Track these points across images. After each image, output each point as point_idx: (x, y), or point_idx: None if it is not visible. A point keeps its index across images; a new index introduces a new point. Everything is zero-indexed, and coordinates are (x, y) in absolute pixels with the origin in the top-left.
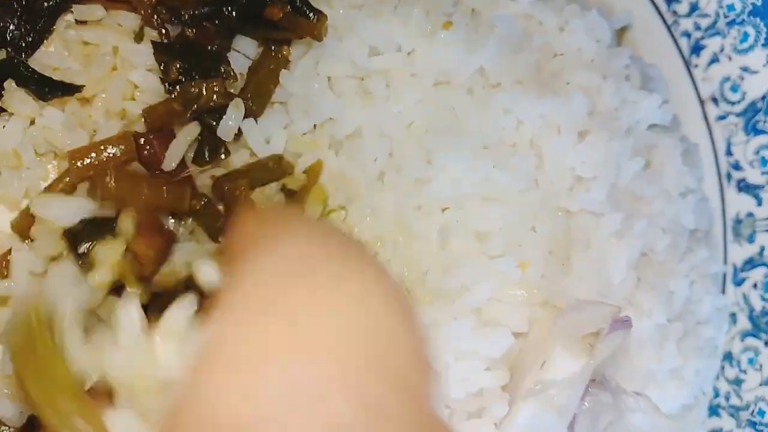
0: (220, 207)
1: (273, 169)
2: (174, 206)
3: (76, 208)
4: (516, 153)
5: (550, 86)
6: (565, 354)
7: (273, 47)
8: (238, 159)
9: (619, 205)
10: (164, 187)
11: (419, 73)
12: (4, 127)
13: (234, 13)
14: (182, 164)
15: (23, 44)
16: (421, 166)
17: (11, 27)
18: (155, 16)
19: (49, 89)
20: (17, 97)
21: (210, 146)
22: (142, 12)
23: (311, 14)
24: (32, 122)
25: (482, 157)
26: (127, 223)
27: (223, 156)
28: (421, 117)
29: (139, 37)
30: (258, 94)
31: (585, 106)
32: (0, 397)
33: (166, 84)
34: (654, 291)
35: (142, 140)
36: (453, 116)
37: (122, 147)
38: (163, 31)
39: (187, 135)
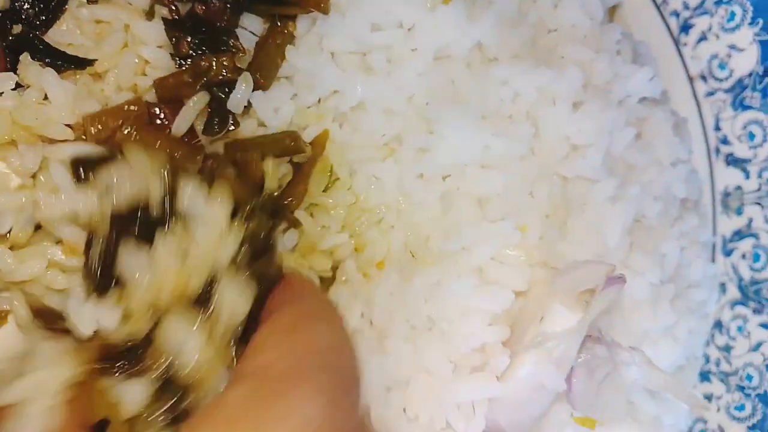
0: (231, 170)
1: (288, 146)
2: (187, 162)
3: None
4: (513, 123)
5: (545, 60)
6: (562, 309)
7: (279, 23)
8: (246, 129)
9: (612, 173)
10: (179, 143)
11: (420, 48)
12: (21, 95)
13: None
14: (192, 133)
15: (37, 22)
16: (422, 137)
17: (26, 5)
18: None
19: (62, 62)
20: (32, 70)
21: (219, 118)
22: None
23: None
24: (45, 97)
25: (481, 127)
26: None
27: (232, 127)
28: (422, 90)
29: (150, 15)
30: (265, 68)
31: (579, 78)
32: None
33: (177, 59)
34: (647, 253)
35: (155, 109)
36: (453, 89)
37: (136, 109)
38: (173, 8)
39: (197, 103)
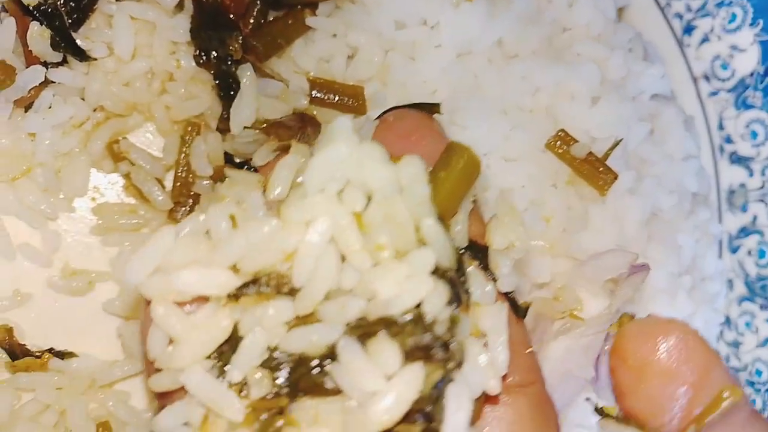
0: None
1: None
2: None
3: None
4: (534, 117)
5: (562, 57)
6: (588, 297)
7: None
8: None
9: (629, 166)
10: None
11: (444, 44)
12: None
13: None
14: None
15: (69, 21)
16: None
17: (59, 2)
18: None
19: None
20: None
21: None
22: None
23: None
24: None
25: (502, 120)
26: None
27: None
28: (444, 85)
29: (179, 8)
30: (264, 38)
31: (597, 74)
32: None
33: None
34: (664, 245)
35: None
36: (475, 84)
37: None
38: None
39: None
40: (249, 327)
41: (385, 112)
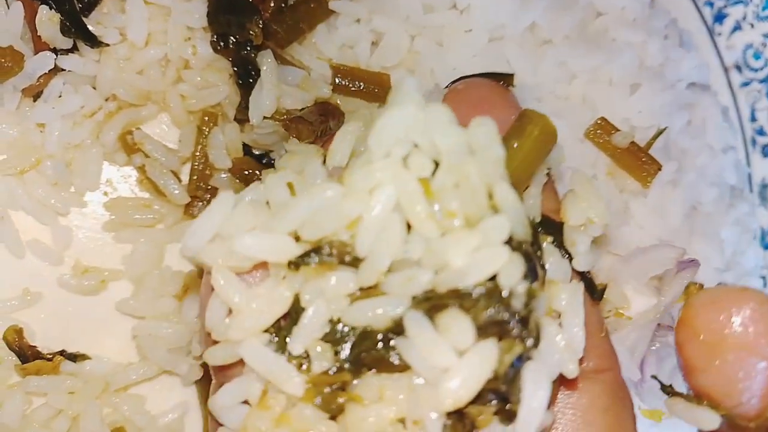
0: None
1: None
2: None
3: None
4: (569, 105)
5: (596, 43)
6: (634, 295)
7: None
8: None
9: (670, 156)
10: None
11: (475, 29)
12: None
13: None
14: None
15: (80, 5)
16: None
17: None
18: None
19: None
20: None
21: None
22: None
23: None
24: None
25: (536, 108)
26: None
27: None
28: (476, 71)
29: None
30: (285, 22)
31: (635, 60)
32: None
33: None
34: (707, 239)
35: None
36: (506, 71)
37: None
38: None
39: None
40: (311, 298)
41: (454, 82)
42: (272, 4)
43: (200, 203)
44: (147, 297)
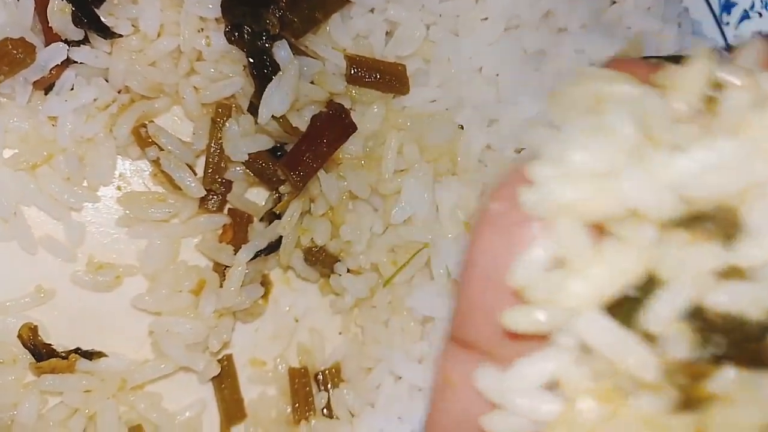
0: None
1: None
2: None
3: None
4: None
5: (612, 31)
6: None
7: None
8: None
9: None
10: None
11: (491, 17)
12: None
13: None
14: None
15: None
16: (491, 106)
17: None
18: None
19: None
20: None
21: None
22: None
23: None
24: None
25: None
26: None
27: None
28: (492, 60)
29: None
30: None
31: (653, 47)
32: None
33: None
34: None
35: None
36: (524, 59)
37: None
38: None
39: None
40: (673, 270)
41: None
42: None
43: (215, 196)
44: (163, 293)
